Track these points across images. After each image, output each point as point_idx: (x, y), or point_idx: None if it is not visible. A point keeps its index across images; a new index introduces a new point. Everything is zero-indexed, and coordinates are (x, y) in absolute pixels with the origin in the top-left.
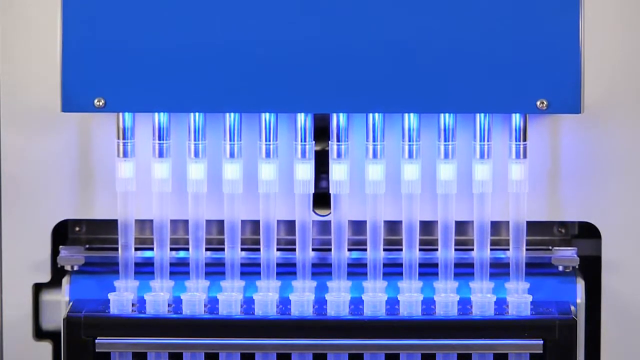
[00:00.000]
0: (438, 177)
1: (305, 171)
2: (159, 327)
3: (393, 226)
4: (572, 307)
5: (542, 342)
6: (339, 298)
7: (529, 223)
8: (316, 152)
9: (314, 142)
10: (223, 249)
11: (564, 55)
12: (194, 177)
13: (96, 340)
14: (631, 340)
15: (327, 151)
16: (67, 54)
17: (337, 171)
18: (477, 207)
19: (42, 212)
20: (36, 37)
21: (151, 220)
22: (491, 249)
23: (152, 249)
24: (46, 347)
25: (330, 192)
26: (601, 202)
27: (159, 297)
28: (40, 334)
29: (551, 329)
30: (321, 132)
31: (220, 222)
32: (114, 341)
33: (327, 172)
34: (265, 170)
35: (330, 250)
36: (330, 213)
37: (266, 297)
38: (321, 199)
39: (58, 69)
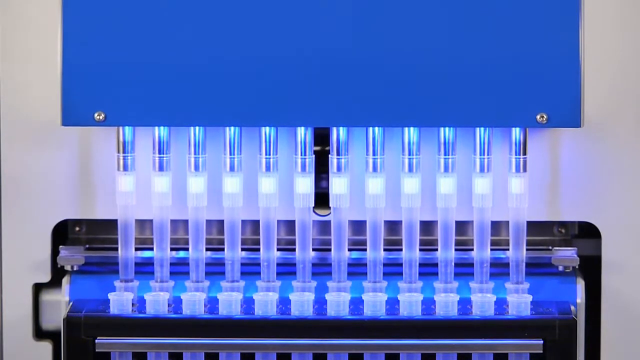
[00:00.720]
0: (438, 191)
1: (305, 185)
2: (159, 327)
3: (393, 226)
4: (572, 307)
5: (542, 342)
6: (339, 298)
7: (529, 223)
8: (316, 152)
9: (313, 155)
10: (223, 249)
11: (564, 69)
12: (194, 191)
13: (96, 340)
14: (631, 340)
15: (327, 151)
16: (68, 67)
17: (337, 185)
18: (477, 222)
19: (42, 212)
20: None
21: (151, 220)
22: (491, 249)
23: (152, 249)
24: (46, 347)
25: (330, 205)
26: (601, 202)
27: (159, 297)
28: (40, 334)
29: (551, 329)
30: (321, 131)
31: (220, 222)
32: (114, 341)
33: (327, 172)
34: (265, 184)
35: (330, 250)
36: (330, 213)
37: (266, 297)
38: (321, 199)
39: (58, 83)
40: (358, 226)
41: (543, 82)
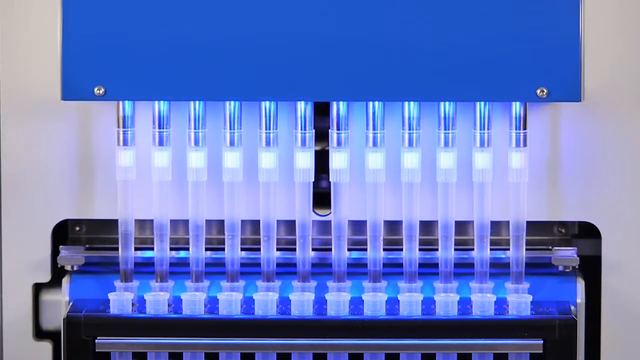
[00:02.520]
0: (438, 166)
1: (305, 160)
2: (159, 327)
3: (393, 226)
4: (572, 307)
5: (542, 342)
6: (339, 298)
7: (529, 223)
8: (316, 152)
9: (313, 130)
10: (223, 249)
11: (564, 44)
12: (194, 166)
13: (96, 340)
14: (631, 340)
15: (327, 151)
16: (67, 42)
17: (337, 160)
18: (477, 197)
19: (42, 212)
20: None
21: (151, 220)
22: (491, 249)
23: (152, 249)
24: (46, 347)
25: (330, 180)
26: (601, 202)
27: (159, 297)
28: (40, 334)
29: (551, 329)
30: (321, 132)
31: (221, 222)
32: (114, 341)
33: (327, 172)
34: (265, 158)
35: (330, 250)
36: (330, 213)
37: (266, 297)
38: (321, 199)
39: (58, 58)
40: (358, 226)
41: (543, 56)
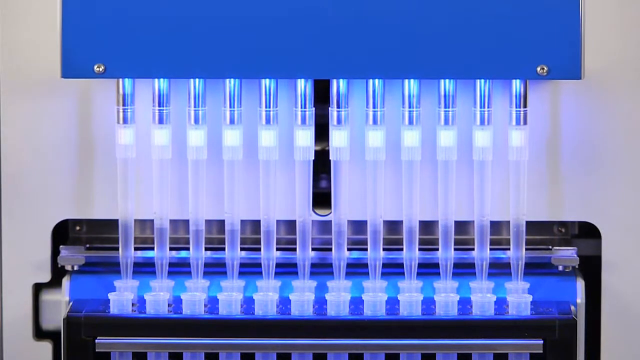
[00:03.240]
0: (438, 144)
1: (305, 137)
2: (159, 327)
3: (393, 226)
4: (572, 307)
5: (542, 342)
6: (339, 298)
7: (528, 223)
8: (316, 152)
9: (314, 108)
10: (223, 249)
11: (564, 21)
12: (194, 144)
13: (96, 340)
14: (631, 340)
15: (327, 151)
16: (67, 19)
17: (337, 137)
18: (478, 175)
19: (42, 212)
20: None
21: (151, 220)
22: (491, 249)
23: (152, 249)
24: (46, 347)
25: (330, 158)
26: (601, 202)
27: (159, 297)
28: (40, 334)
29: (551, 329)
30: (321, 131)
31: (221, 222)
32: (114, 341)
33: (327, 172)
34: (265, 136)
35: (330, 250)
36: (330, 213)
37: (266, 297)
38: (321, 199)
39: (58, 35)
40: (358, 226)
41: (543, 33)
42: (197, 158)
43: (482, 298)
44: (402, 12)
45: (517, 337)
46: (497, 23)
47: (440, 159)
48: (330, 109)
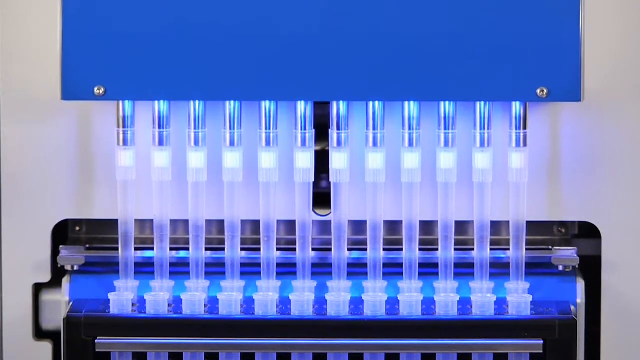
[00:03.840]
0: (438, 166)
1: (305, 160)
2: (159, 327)
3: (393, 226)
4: (572, 307)
5: (542, 342)
6: (339, 298)
7: (529, 223)
8: (316, 152)
9: (314, 130)
10: (223, 249)
11: (564, 43)
12: (194, 166)
13: (96, 340)
14: (631, 340)
15: (327, 151)
16: (67, 41)
17: (337, 160)
18: (477, 197)
19: (42, 212)
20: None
21: (151, 220)
22: (491, 249)
23: (152, 249)
24: (46, 347)
25: (330, 180)
26: (601, 202)
27: (159, 297)
28: (40, 334)
29: (551, 329)
30: (321, 131)
31: (221, 222)
32: (114, 341)
33: (327, 172)
34: (265, 158)
35: (330, 250)
36: (330, 213)
37: (266, 297)
38: (321, 199)
39: (58, 57)
40: (358, 226)
41: (543, 56)
42: (197, 180)
43: (482, 298)
44: (402, 35)
45: (517, 337)
46: (497, 46)
47: (440, 181)
48: (330, 131)
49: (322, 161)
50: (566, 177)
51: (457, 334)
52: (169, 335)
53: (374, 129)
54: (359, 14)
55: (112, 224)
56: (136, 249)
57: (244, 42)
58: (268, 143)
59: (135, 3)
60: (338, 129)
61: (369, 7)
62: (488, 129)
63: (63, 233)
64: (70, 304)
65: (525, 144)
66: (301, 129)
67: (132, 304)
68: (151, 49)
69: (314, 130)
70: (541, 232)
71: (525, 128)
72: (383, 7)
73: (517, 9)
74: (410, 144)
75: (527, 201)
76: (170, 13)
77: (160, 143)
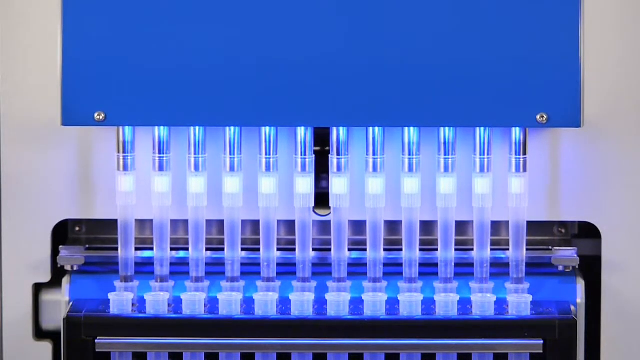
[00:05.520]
0: (438, 191)
1: (305, 185)
2: (159, 327)
3: (393, 226)
4: (572, 307)
5: (542, 342)
6: (339, 298)
7: (529, 223)
8: (316, 152)
9: (313, 155)
10: (223, 249)
11: (564, 69)
12: (194, 191)
13: (96, 340)
14: (631, 340)
15: (328, 151)
16: (67, 67)
17: (337, 185)
18: (477, 222)
19: (42, 212)
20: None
21: (151, 220)
22: (491, 249)
23: (152, 249)
24: (46, 347)
25: (330, 205)
26: (601, 202)
27: (159, 297)
28: (40, 334)
29: (551, 329)
30: (322, 132)
31: (221, 222)
32: (114, 341)
33: (327, 172)
34: (265, 184)
35: (330, 250)
36: (330, 213)
37: (266, 297)
38: (321, 199)
39: (58, 83)
40: (358, 226)
41: (543, 81)
42: (198, 205)
43: (482, 298)
44: (402, 61)
45: (517, 337)
46: (496, 71)
47: (440, 206)
48: (330, 156)
49: (322, 161)
50: (566, 177)
51: (457, 334)
52: (169, 335)
53: (374, 154)
54: (359, 40)
55: (112, 224)
56: (136, 249)
57: (244, 68)
58: (268, 168)
59: (136, 29)
60: (338, 154)
61: (368, 34)
62: (488, 154)
63: (63, 233)
64: (70, 304)
65: (525, 170)
66: (301, 155)
67: (132, 304)
68: (151, 75)
69: (313, 156)
70: (541, 232)
71: (525, 153)
72: (383, 33)
73: (516, 36)
74: (410, 170)
75: (527, 201)
76: (170, 39)
77: (161, 168)
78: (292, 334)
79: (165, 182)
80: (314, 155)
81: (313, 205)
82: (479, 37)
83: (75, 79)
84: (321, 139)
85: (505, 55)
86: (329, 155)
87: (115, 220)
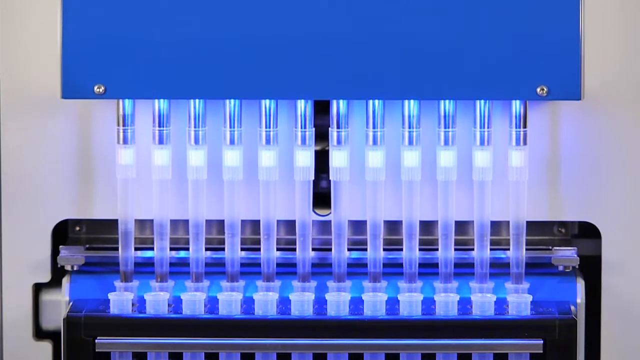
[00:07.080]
0: (438, 164)
1: (305, 158)
2: (159, 327)
3: (393, 226)
4: (572, 307)
5: (542, 342)
6: (339, 298)
7: (529, 223)
8: (316, 152)
9: (314, 128)
10: (223, 249)
11: (564, 42)
12: (194, 164)
13: (96, 340)
14: (631, 340)
15: (327, 151)
16: (67, 40)
17: (337, 158)
18: (477, 195)
19: (42, 212)
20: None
21: (151, 220)
22: (491, 249)
23: (152, 249)
24: (46, 347)
25: (330, 178)
26: (601, 202)
27: (159, 297)
28: (40, 334)
29: (551, 329)
30: (321, 131)
31: (221, 222)
32: (114, 341)
33: (327, 172)
34: (265, 157)
35: (330, 250)
36: (330, 213)
37: (266, 297)
38: (321, 199)
39: (58, 56)
40: (358, 226)
41: (543, 54)
42: (197, 178)
43: (482, 298)
44: (402, 34)
45: (517, 337)
46: (496, 44)
47: (440, 179)
48: (330, 129)
49: (322, 161)
50: (566, 177)
51: (457, 334)
52: (169, 335)
53: (373, 127)
54: (359, 13)
55: (112, 224)
56: (136, 249)
57: (244, 40)
58: (268, 141)
59: (135, 2)
60: (338, 127)
61: (368, 6)
62: (488, 127)
63: (63, 233)
64: (70, 304)
65: (525, 143)
66: (301, 128)
67: (132, 304)
68: (151, 48)
69: (314, 129)
70: (541, 232)
71: (525, 126)
72: (383, 5)
73: (517, 8)
74: (410, 143)
75: (527, 201)
76: (170, 12)
77: (160, 141)
78: (292, 334)
79: (165, 155)
80: (314, 128)
81: (313, 178)
82: (479, 9)
83: (75, 52)
84: (321, 138)
85: (505, 28)
86: (329, 129)
87: (115, 220)
